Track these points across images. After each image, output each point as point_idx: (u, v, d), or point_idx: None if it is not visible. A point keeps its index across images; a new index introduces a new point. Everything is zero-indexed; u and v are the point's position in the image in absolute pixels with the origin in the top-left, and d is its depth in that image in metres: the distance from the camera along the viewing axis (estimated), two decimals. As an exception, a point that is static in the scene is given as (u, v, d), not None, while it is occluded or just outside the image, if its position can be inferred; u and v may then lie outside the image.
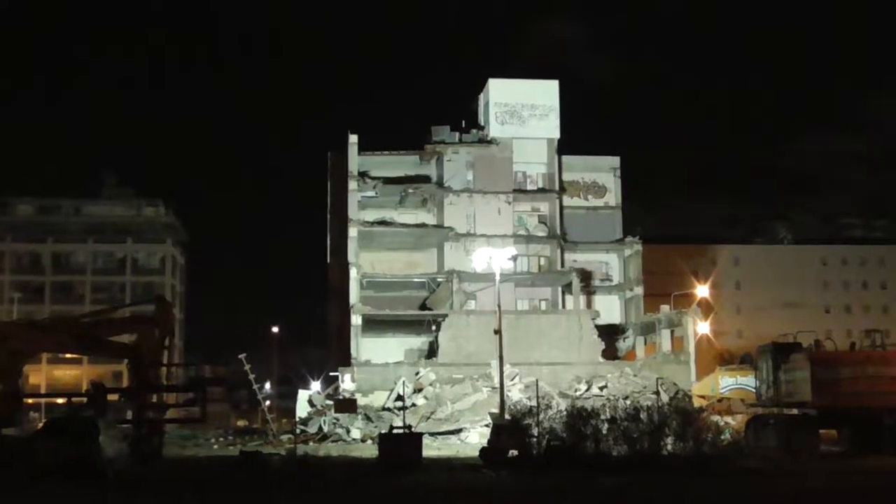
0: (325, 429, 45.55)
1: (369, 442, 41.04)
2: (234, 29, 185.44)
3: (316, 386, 60.66)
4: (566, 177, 64.39)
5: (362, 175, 60.04)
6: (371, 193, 61.07)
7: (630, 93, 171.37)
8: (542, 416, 28.36)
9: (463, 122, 63.58)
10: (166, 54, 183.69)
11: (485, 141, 62.57)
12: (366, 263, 59.35)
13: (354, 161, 59.27)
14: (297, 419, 48.48)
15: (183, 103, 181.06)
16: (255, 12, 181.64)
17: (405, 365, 53.31)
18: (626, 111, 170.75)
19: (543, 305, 62.11)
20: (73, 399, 31.12)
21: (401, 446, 28.92)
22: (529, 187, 63.37)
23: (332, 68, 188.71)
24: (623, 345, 62.31)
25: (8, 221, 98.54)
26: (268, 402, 62.53)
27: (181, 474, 27.62)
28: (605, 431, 27.27)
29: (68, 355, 76.16)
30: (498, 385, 40.00)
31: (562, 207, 63.35)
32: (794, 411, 32.97)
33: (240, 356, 47.97)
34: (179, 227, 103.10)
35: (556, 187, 62.94)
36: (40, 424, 36.36)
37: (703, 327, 59.92)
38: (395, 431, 31.01)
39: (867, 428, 31.88)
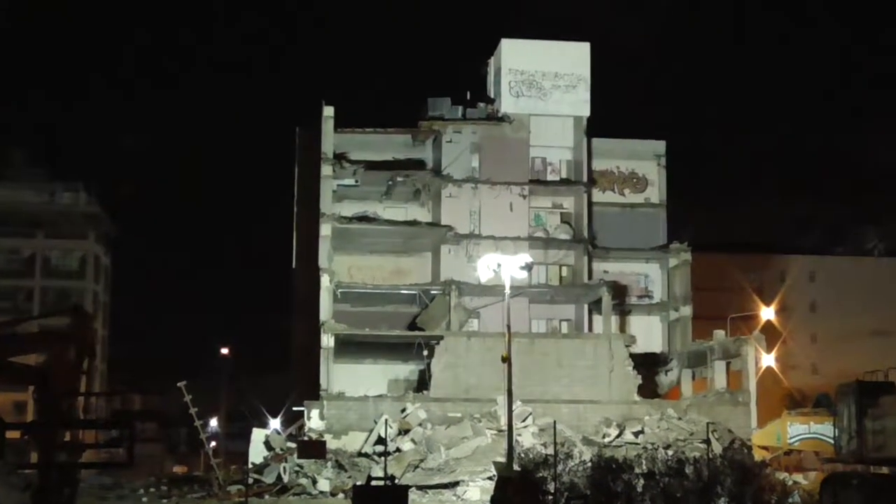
0: (286, 478, 45.70)
1: (341, 496, 41.36)
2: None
3: (275, 424, 60.72)
4: (597, 165, 64.54)
5: (339, 158, 60.06)
6: (350, 181, 61.12)
7: (679, 62, 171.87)
8: (560, 467, 28.47)
9: (468, 93, 63.62)
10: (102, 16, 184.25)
11: (495, 118, 62.63)
12: (341, 270, 59.40)
13: (330, 140, 59.31)
14: (250, 465, 48.48)
15: (112, 63, 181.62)
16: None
17: (388, 399, 53.44)
18: (674, 85, 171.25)
19: (565, 327, 62.22)
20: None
21: (380, 502, 28.92)
22: (550, 177, 63.49)
23: (305, 27, 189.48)
24: (665, 379, 62.42)
25: None
26: (213, 444, 62.55)
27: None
28: (640, 489, 27.45)
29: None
30: (505, 427, 39.99)
31: (591, 204, 63.46)
32: (884, 470, 32.90)
33: (179, 384, 48.05)
34: (105, 218, 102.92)
35: (585, 178, 63.01)
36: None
37: (768, 359, 59.99)
38: (373, 483, 31.11)
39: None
